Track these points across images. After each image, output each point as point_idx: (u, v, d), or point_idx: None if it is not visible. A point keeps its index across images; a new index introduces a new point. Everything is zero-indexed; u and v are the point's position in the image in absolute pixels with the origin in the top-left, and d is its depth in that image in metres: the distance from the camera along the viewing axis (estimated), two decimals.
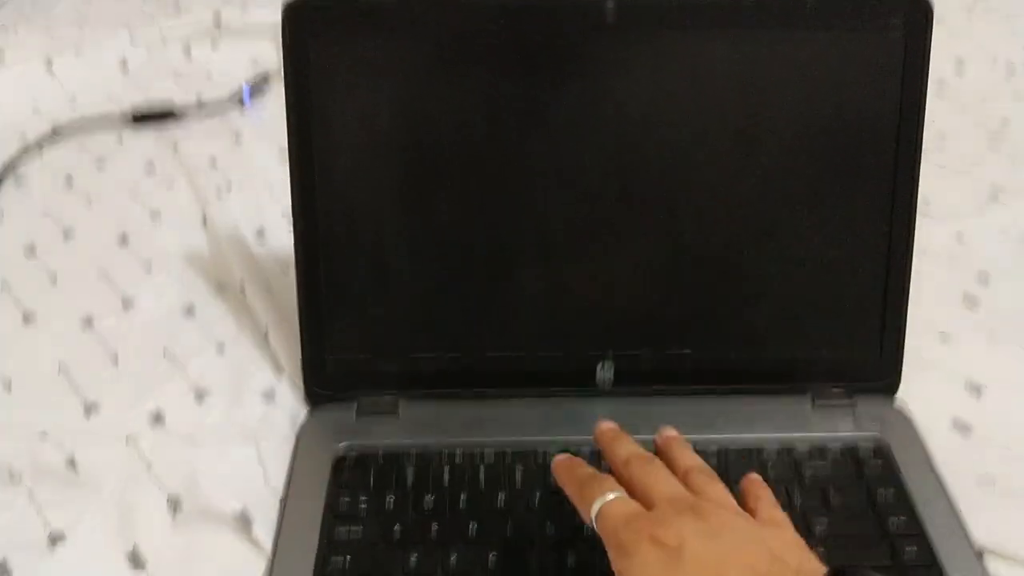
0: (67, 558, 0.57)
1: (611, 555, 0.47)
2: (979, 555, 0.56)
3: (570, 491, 0.52)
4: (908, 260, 0.64)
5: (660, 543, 0.45)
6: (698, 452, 0.61)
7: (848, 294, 0.64)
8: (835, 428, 0.64)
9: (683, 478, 0.51)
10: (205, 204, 0.86)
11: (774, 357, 0.65)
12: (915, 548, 0.56)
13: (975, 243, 0.82)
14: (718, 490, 0.50)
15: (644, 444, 0.61)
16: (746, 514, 0.49)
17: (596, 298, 0.65)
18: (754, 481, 0.54)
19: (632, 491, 0.50)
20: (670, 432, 0.57)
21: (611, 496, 0.49)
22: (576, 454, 0.61)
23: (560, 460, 0.55)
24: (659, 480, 0.50)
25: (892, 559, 0.55)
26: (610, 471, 0.52)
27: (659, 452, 0.55)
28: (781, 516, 0.50)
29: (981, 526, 0.57)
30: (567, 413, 0.65)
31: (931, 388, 0.67)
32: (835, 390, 0.66)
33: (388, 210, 0.63)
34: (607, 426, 0.57)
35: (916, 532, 0.57)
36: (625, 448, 0.54)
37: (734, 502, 0.50)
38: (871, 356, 0.65)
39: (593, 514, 0.49)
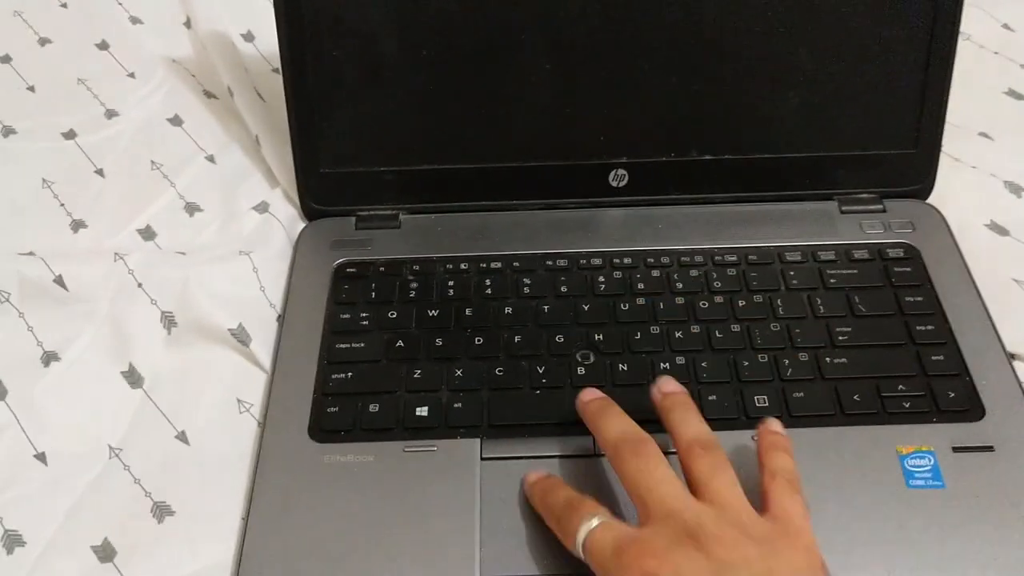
0: (63, 377, 0.56)
1: None
2: (1010, 361, 0.53)
3: (549, 522, 0.46)
4: (952, 50, 0.58)
5: None
6: (716, 261, 0.59)
7: (883, 87, 0.59)
8: (863, 234, 0.60)
9: (684, 455, 0.45)
10: (188, 5, 0.80)
11: (800, 160, 0.61)
12: (943, 356, 0.53)
13: None
14: (723, 483, 0.43)
15: (657, 255, 0.59)
16: (755, 532, 0.41)
17: (609, 100, 0.59)
18: (771, 440, 0.47)
19: (623, 482, 0.44)
20: (669, 387, 0.48)
21: (595, 523, 0.43)
22: (585, 266, 0.59)
23: (533, 483, 0.48)
24: (654, 478, 0.43)
25: (918, 368, 0.53)
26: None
27: (658, 412, 0.48)
28: (796, 509, 0.43)
29: (1014, 331, 0.55)
30: (577, 222, 0.62)
31: (967, 190, 0.63)
32: (864, 194, 0.62)
33: (382, 5, 0.57)
34: (590, 396, 0.49)
35: (945, 339, 0.54)
36: (614, 425, 0.46)
37: (742, 501, 0.43)
38: (905, 157, 0.61)
39: (579, 546, 0.43)
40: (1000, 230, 0.61)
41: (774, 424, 0.48)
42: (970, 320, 0.55)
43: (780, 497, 0.44)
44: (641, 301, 0.57)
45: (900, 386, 0.52)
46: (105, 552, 0.48)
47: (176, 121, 0.72)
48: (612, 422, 0.46)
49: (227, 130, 0.71)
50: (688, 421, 0.46)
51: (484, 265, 0.59)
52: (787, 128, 0.60)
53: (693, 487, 0.44)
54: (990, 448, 0.50)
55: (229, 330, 0.56)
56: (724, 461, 0.44)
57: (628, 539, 0.41)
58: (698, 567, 0.39)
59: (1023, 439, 0.50)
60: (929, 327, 0.55)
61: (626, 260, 0.59)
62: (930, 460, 0.49)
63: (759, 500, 0.44)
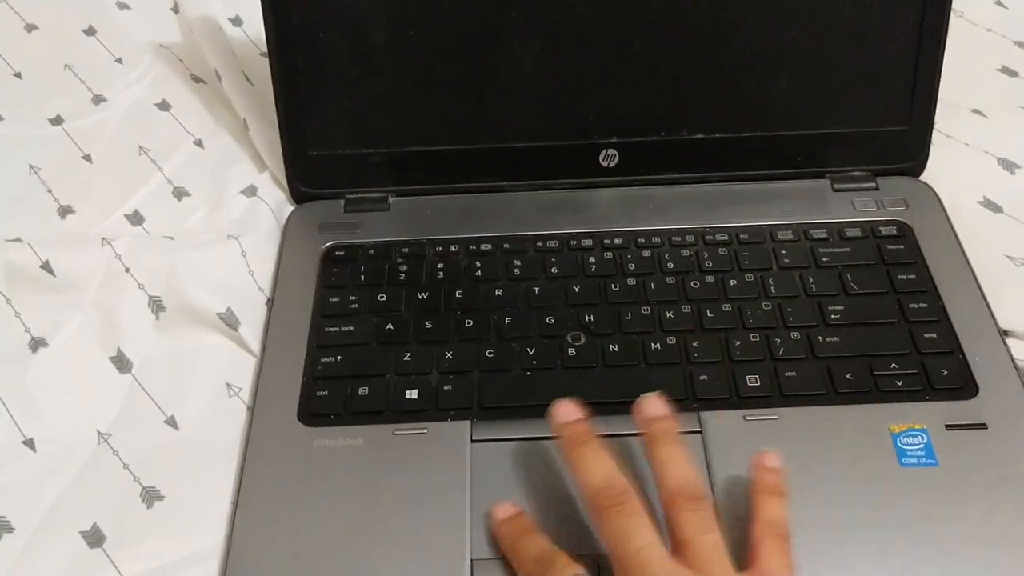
0: (51, 363, 0.55)
1: None
2: (1003, 338, 0.53)
3: (518, 571, 0.44)
4: (944, 25, 0.57)
5: None
6: (707, 240, 0.58)
7: (875, 63, 0.58)
8: (856, 211, 0.60)
9: (668, 505, 0.42)
10: None
11: (792, 138, 0.60)
12: (935, 334, 0.53)
13: (1017, 8, 0.75)
14: (708, 546, 0.41)
15: (648, 235, 0.58)
16: None
17: (599, 79, 0.59)
18: (767, 481, 0.45)
19: (603, 536, 0.42)
20: (655, 410, 0.45)
21: None
22: (576, 247, 0.58)
23: (501, 522, 0.46)
24: (637, 541, 0.41)
25: (911, 346, 0.53)
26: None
27: (645, 441, 0.45)
28: (783, 572, 0.42)
29: (1007, 308, 0.54)
30: (568, 203, 0.61)
31: (960, 167, 0.63)
32: (857, 172, 0.61)
33: None
34: (567, 414, 0.46)
35: (937, 317, 0.54)
36: (596, 470, 0.43)
37: (725, 567, 0.41)
38: (897, 134, 0.60)
39: None
40: (993, 207, 0.61)
41: (771, 459, 0.45)
42: (963, 297, 0.55)
43: (769, 557, 0.42)
44: (632, 281, 0.56)
45: (893, 364, 0.52)
46: (94, 537, 0.48)
47: (164, 106, 0.71)
48: (593, 465, 0.43)
49: (215, 115, 0.70)
50: (675, 462, 0.43)
51: (474, 247, 0.59)
52: (778, 106, 0.59)
53: (675, 541, 0.42)
54: (983, 426, 0.49)
55: (218, 314, 0.56)
56: (711, 518, 0.42)
57: None
58: None
59: (1016, 416, 0.50)
60: (922, 304, 0.54)
61: (617, 240, 0.59)
62: (923, 438, 0.49)
63: (744, 545, 0.43)
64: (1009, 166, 0.63)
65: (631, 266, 0.57)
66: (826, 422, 0.50)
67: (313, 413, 0.51)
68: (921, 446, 0.49)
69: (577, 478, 0.44)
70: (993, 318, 0.54)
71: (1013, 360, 0.52)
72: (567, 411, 0.46)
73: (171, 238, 0.61)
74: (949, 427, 0.49)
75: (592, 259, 0.58)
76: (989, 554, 0.45)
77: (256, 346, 0.55)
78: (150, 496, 0.50)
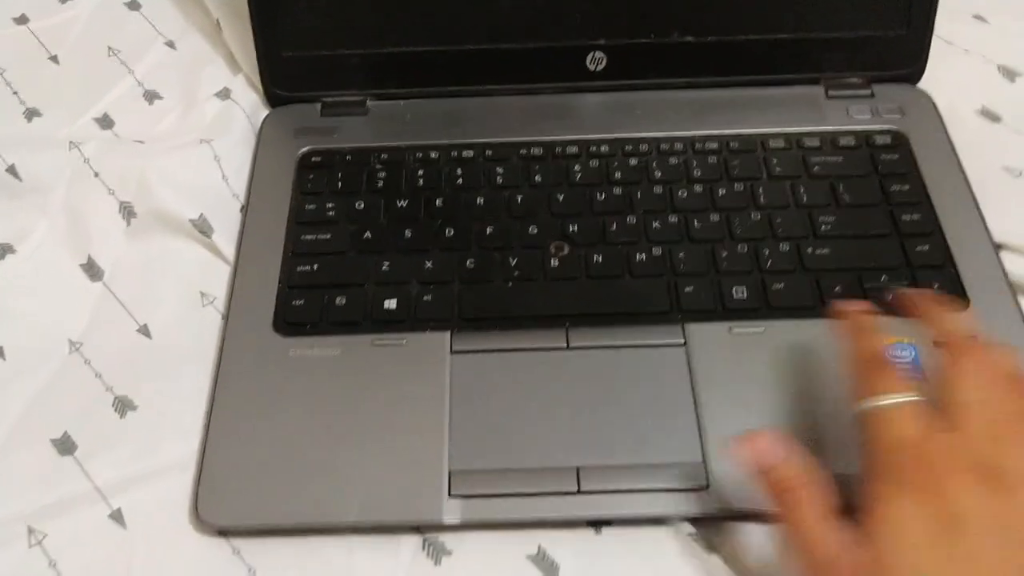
0: (19, 270, 0.54)
1: (865, 475, 0.37)
2: (996, 251, 0.52)
3: (856, 353, 0.41)
4: None
5: (933, 507, 0.35)
6: (696, 148, 0.57)
7: None
8: (850, 119, 0.58)
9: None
10: None
11: (785, 41, 0.58)
12: (928, 247, 0.52)
13: None
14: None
15: (635, 142, 0.57)
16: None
17: None
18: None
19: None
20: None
21: (899, 400, 0.37)
22: (561, 154, 0.56)
23: (846, 312, 0.44)
24: (977, 388, 0.37)
25: (903, 259, 0.51)
26: None
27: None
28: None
29: (1002, 221, 0.53)
30: (553, 108, 0.59)
31: (959, 75, 0.61)
32: (852, 78, 0.59)
33: None
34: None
35: (931, 229, 0.52)
36: (945, 319, 0.42)
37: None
38: (895, 39, 0.58)
39: (863, 407, 0.38)
40: (992, 116, 0.59)
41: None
42: (957, 210, 0.53)
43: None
44: (618, 190, 0.55)
45: (883, 277, 0.51)
46: (65, 446, 0.47)
47: (133, 6, 0.68)
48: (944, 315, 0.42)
49: (187, 15, 0.67)
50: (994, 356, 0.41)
51: (455, 154, 0.57)
52: (772, 7, 0.57)
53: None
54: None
55: (190, 220, 0.54)
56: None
57: (924, 441, 0.37)
58: (992, 511, 0.35)
59: (1007, 330, 0.49)
60: (915, 217, 0.53)
61: (603, 148, 0.57)
62: (911, 352, 0.48)
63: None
64: (1010, 74, 0.61)
65: (617, 175, 0.55)
66: (814, 335, 0.49)
67: (289, 322, 0.50)
68: (909, 360, 0.48)
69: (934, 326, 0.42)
70: (987, 231, 0.53)
71: (1005, 273, 0.51)
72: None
73: (141, 142, 0.59)
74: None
75: (577, 167, 0.56)
76: None
77: (230, 253, 0.54)
78: (123, 405, 0.49)
